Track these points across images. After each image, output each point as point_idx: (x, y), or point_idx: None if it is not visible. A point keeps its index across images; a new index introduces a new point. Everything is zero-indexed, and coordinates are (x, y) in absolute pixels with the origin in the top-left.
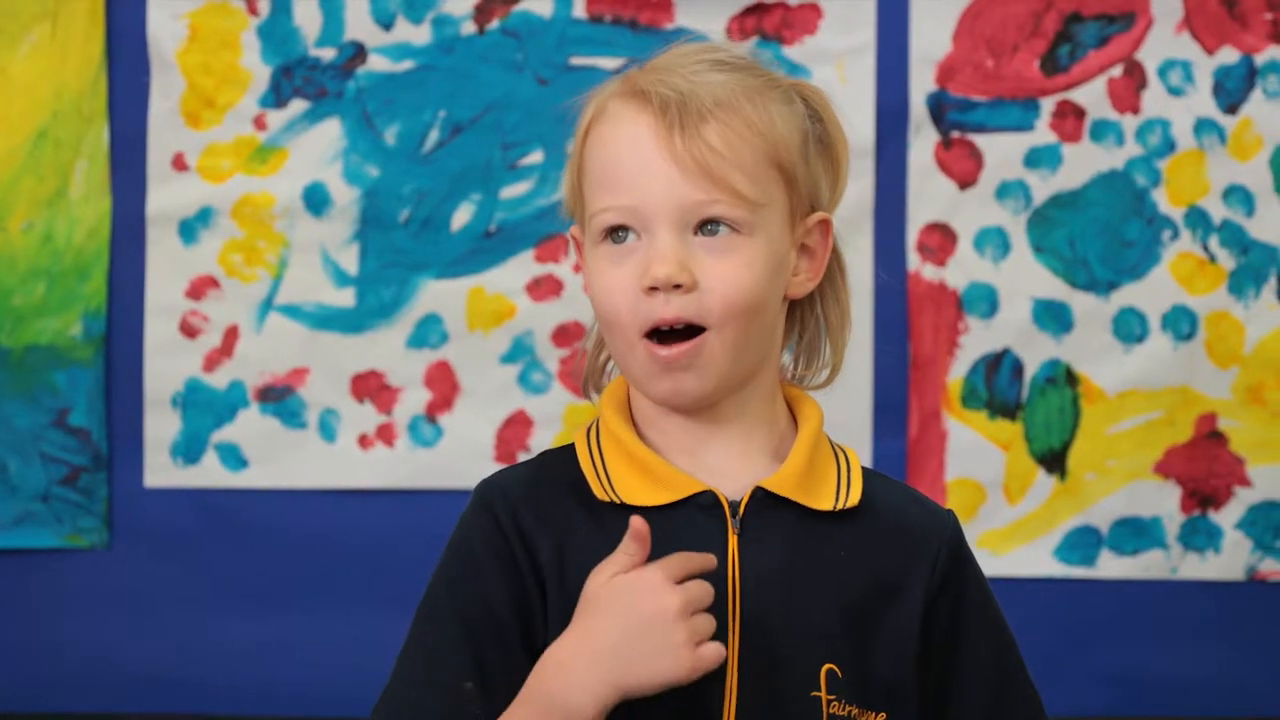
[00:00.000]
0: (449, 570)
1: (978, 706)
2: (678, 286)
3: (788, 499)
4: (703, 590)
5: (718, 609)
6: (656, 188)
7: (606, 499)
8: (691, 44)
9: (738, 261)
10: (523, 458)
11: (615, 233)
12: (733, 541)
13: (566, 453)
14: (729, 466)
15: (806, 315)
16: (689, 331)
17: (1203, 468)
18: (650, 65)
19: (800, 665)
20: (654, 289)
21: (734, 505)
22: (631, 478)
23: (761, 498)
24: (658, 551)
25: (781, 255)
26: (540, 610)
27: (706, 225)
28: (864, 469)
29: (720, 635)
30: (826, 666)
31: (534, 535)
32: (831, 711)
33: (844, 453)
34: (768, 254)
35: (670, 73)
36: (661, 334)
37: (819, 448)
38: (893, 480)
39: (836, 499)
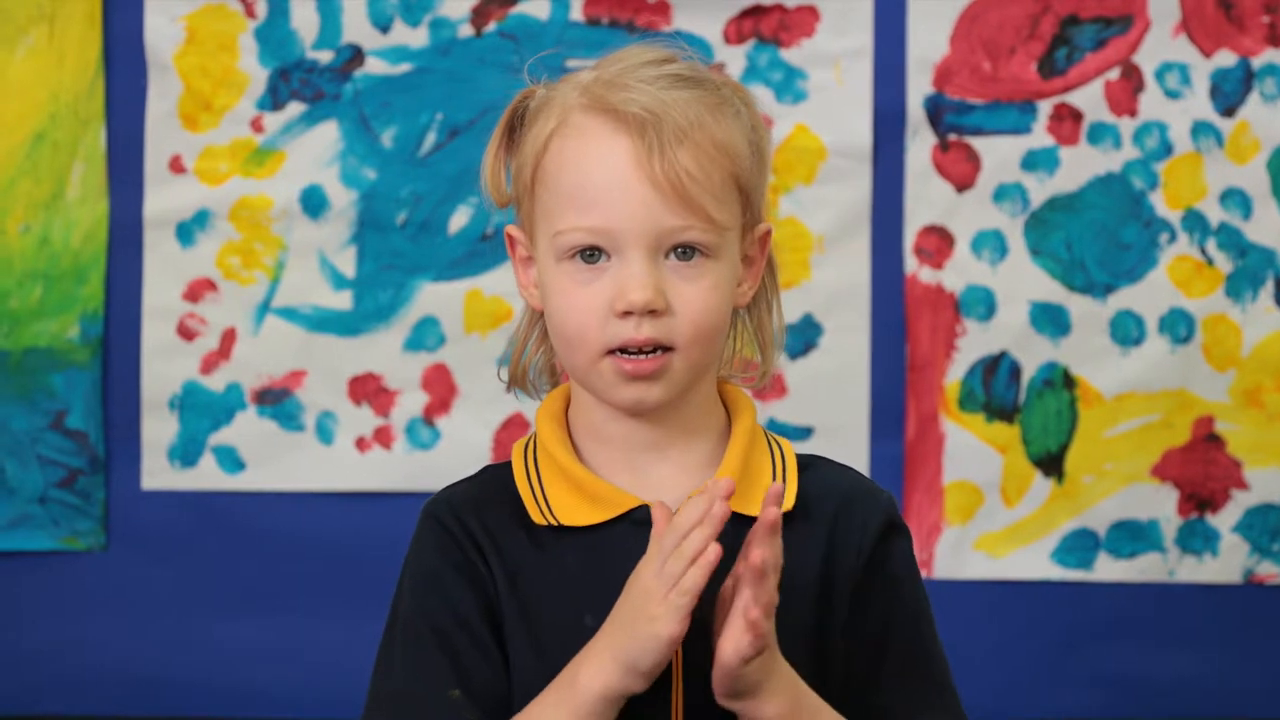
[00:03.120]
0: (410, 587)
1: (890, 684)
2: (652, 312)
3: None
4: (674, 550)
5: None
6: (632, 211)
7: (544, 523)
8: (641, 50)
9: (706, 285)
10: None
11: (584, 253)
12: None
13: (507, 471)
14: (667, 477)
15: (737, 319)
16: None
17: (1200, 471)
18: (608, 77)
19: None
20: (628, 313)
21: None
22: (567, 497)
23: None
24: (595, 571)
25: (736, 271)
26: (500, 616)
27: (678, 249)
28: (802, 459)
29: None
30: None
31: (485, 549)
32: None
33: (779, 447)
34: (729, 274)
35: (634, 89)
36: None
37: (753, 448)
38: (832, 464)
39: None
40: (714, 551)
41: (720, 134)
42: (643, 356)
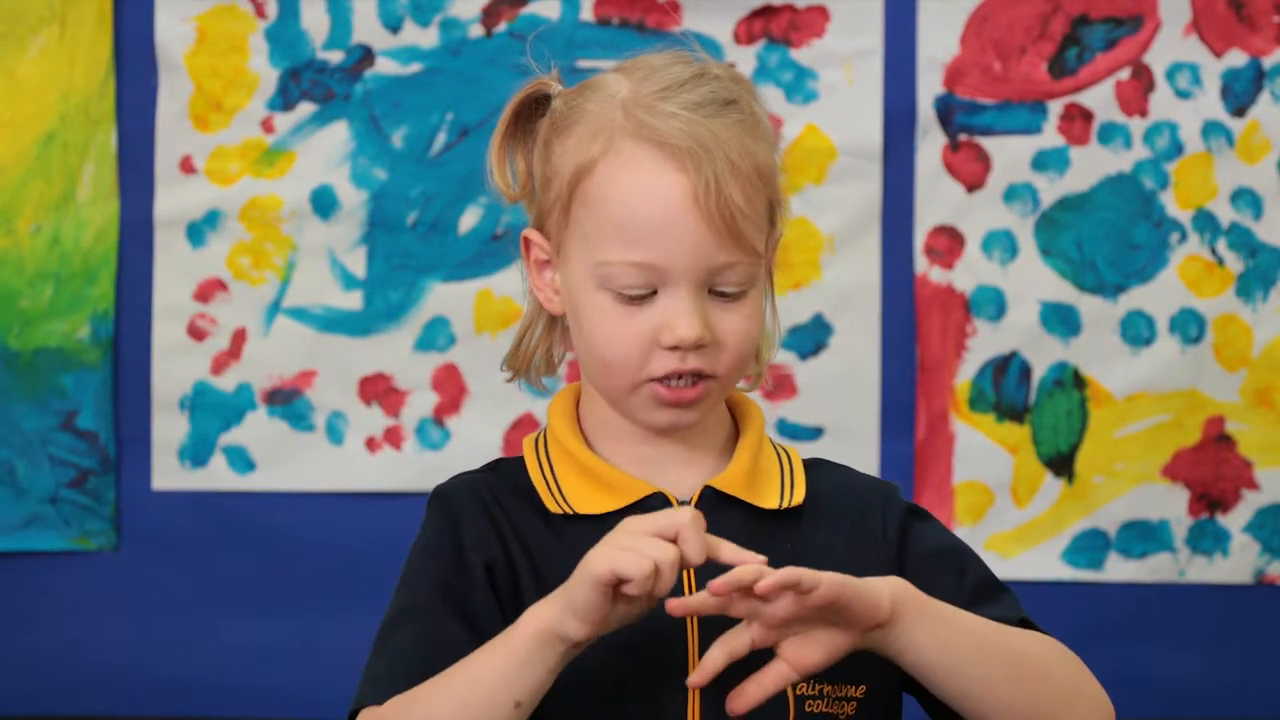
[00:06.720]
0: (419, 561)
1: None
2: (698, 345)
3: (736, 498)
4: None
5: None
6: (685, 249)
7: (559, 511)
8: (671, 61)
9: (746, 314)
10: None
11: (631, 286)
12: None
13: (517, 463)
14: (677, 471)
15: None
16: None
17: (1210, 471)
18: (649, 98)
19: (763, 655)
20: (675, 347)
21: (684, 505)
22: (582, 485)
23: (710, 496)
24: None
25: (763, 288)
26: (514, 588)
27: (723, 283)
28: (806, 461)
29: (678, 634)
30: None
31: (500, 527)
32: (799, 693)
33: (786, 452)
34: (761, 295)
35: (681, 116)
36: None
37: (762, 448)
38: (836, 465)
39: (781, 498)
40: (667, 581)
41: (761, 158)
42: (684, 384)
